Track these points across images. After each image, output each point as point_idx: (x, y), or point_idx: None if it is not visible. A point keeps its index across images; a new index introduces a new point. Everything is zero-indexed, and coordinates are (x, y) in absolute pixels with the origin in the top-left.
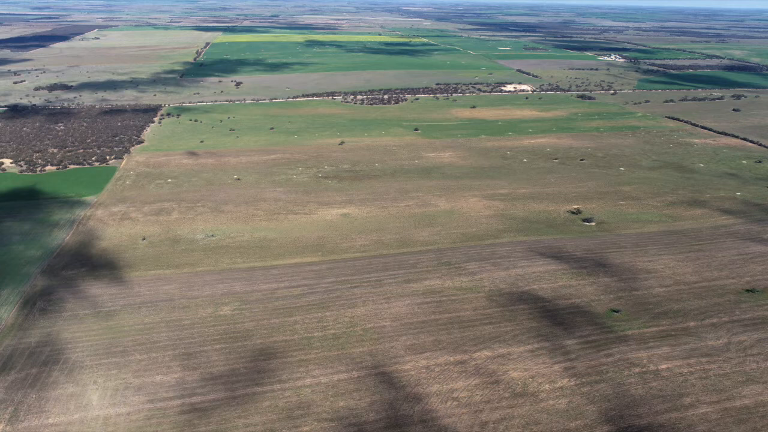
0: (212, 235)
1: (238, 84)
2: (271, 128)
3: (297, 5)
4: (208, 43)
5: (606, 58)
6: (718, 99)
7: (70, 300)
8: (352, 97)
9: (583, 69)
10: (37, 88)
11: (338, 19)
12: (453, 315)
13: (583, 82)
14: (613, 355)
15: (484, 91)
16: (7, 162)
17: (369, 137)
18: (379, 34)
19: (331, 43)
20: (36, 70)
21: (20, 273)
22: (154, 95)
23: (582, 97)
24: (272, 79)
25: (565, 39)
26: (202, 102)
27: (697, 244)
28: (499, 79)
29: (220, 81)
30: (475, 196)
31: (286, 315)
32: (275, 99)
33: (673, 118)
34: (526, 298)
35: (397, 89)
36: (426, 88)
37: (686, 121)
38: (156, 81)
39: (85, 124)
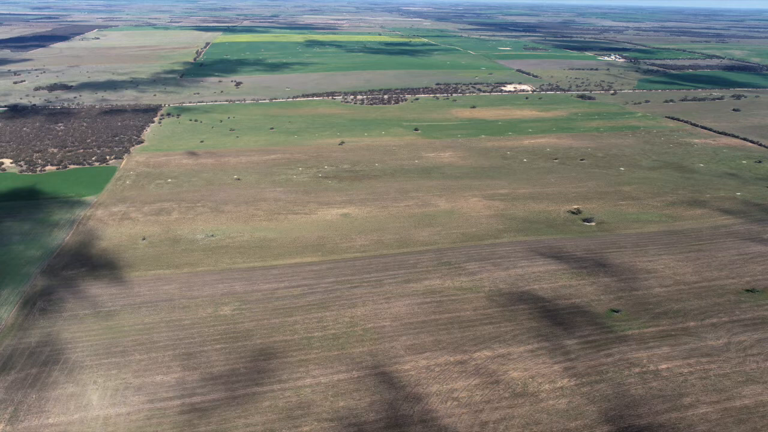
0: (212, 235)
1: (238, 84)
2: (271, 128)
3: (297, 5)
4: (208, 43)
5: (606, 58)
6: (718, 99)
7: (70, 300)
8: (352, 97)
9: (583, 69)
10: (37, 88)
11: (338, 19)
12: (453, 315)
13: (583, 82)
14: (613, 355)
15: (484, 91)
16: (7, 162)
17: (369, 137)
18: (379, 34)
19: (331, 43)
20: (36, 70)
21: (20, 273)
22: (154, 95)
23: (582, 97)
24: (272, 79)
25: (565, 39)
26: (202, 102)
27: (697, 244)
28: (499, 79)
29: (220, 81)
30: (475, 196)
31: (286, 315)
32: (275, 99)
33: (673, 118)
34: (526, 298)
35: (397, 89)
36: (426, 88)
37: (686, 121)
38: (156, 81)
39: (85, 124)
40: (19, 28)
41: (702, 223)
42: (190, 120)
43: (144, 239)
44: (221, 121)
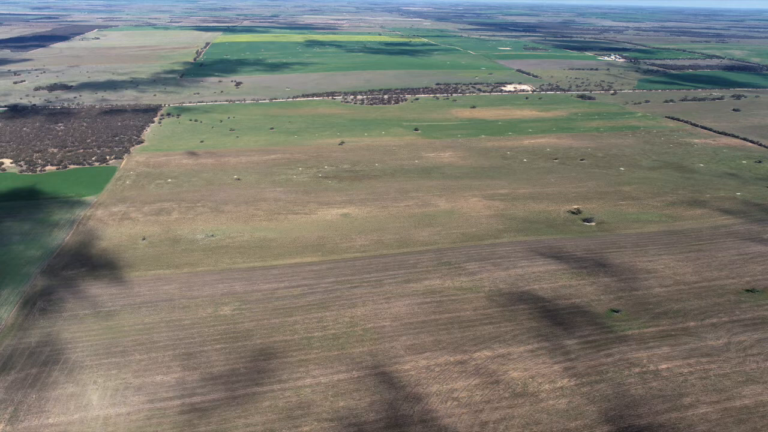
0: (212, 235)
1: (238, 84)
2: (271, 128)
3: (297, 5)
4: (208, 43)
5: (606, 58)
6: (718, 99)
7: (70, 300)
8: (352, 97)
9: (583, 69)
10: (37, 88)
11: (338, 19)
12: (453, 315)
13: (583, 82)
14: (613, 355)
15: (484, 91)
16: (7, 162)
17: (369, 137)
18: (379, 34)
19: (331, 43)
20: (36, 70)
21: (20, 273)
22: (154, 95)
23: (582, 97)
24: (272, 79)
25: (565, 39)
26: (202, 102)
27: (697, 244)
28: (499, 79)
29: (220, 81)
30: (475, 196)
31: (286, 315)
32: (275, 99)
33: (673, 118)
34: (526, 298)
35: (397, 89)
36: (426, 88)
37: (686, 121)
38: (156, 81)
39: (85, 124)
40: (19, 28)
41: (702, 223)
42: (190, 120)
43: (144, 239)
44: (221, 121)
